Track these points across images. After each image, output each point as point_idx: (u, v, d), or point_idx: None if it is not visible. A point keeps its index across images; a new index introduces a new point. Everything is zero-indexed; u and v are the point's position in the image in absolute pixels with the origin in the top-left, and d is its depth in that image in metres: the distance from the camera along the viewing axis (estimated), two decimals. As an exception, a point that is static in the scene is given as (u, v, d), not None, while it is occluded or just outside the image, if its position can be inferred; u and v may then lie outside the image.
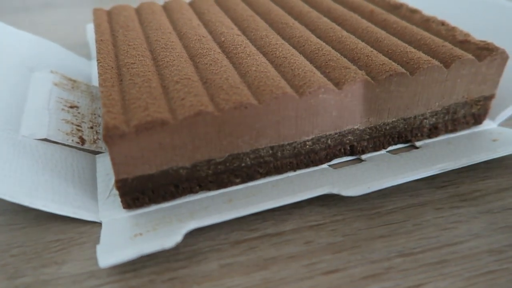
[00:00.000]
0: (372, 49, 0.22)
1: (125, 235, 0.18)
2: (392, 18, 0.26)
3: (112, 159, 0.18)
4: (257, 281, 0.17)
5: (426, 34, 0.24)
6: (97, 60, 0.22)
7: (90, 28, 0.37)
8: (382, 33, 0.24)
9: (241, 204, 0.19)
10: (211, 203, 0.20)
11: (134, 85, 0.20)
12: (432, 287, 0.17)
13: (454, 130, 0.24)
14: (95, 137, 0.24)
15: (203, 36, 0.24)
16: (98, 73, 0.21)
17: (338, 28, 0.25)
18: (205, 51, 0.23)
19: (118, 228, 0.18)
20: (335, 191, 0.19)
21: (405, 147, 0.24)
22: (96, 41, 0.24)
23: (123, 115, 0.18)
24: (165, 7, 0.30)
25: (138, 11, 0.29)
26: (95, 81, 0.30)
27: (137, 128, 0.17)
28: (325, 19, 0.27)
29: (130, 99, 0.19)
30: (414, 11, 0.27)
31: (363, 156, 0.23)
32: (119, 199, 0.20)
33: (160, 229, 0.18)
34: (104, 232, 0.18)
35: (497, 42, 0.23)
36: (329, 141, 0.22)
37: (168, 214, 0.19)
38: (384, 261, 0.18)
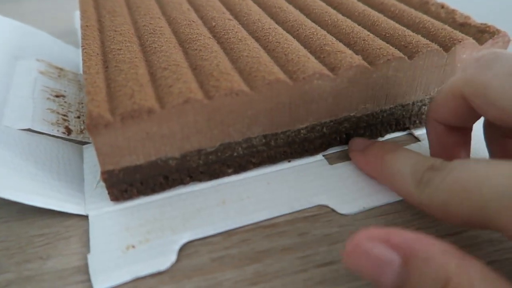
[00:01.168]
0: (369, 33, 0.21)
1: (116, 246, 0.17)
2: (390, 1, 0.25)
3: (97, 150, 0.17)
4: (250, 274, 0.16)
5: (425, 17, 0.23)
6: (82, 46, 0.21)
7: (77, 15, 0.36)
8: (379, 17, 0.23)
9: (235, 210, 0.19)
10: (204, 205, 0.19)
11: (120, 72, 0.19)
12: (430, 279, 0.16)
13: (453, 116, 0.24)
14: (82, 127, 0.23)
15: (193, 21, 0.23)
16: (82, 59, 0.20)
17: (333, 11, 0.24)
18: (195, 36, 0.22)
19: (108, 232, 0.18)
20: (330, 204, 0.19)
21: (403, 135, 0.23)
22: (82, 27, 0.23)
23: (108, 103, 0.17)
24: (155, -8, 0.29)
25: (127, -4, 0.28)
26: (83, 70, 0.29)
27: (123, 116, 0.17)
28: (320, 2, 0.26)
29: (116, 86, 0.18)
30: (412, -6, 0.26)
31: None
32: (106, 191, 0.19)
33: (153, 242, 0.17)
34: (93, 236, 0.18)
35: (499, 24, 0.22)
36: (324, 129, 0.21)
37: (159, 216, 0.18)
38: (381, 253, 0.17)
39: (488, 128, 0.19)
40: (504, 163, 0.14)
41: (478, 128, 0.20)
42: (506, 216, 0.13)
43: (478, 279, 0.12)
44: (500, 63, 0.16)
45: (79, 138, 0.22)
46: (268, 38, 0.21)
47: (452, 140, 0.19)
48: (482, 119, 0.19)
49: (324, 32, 0.22)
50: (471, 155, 0.20)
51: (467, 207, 0.14)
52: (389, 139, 0.23)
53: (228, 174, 0.20)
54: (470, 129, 0.19)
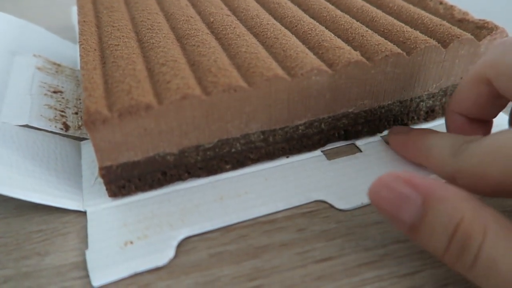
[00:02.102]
0: (367, 29, 0.21)
1: (114, 242, 0.17)
2: (388, -4, 0.25)
3: (95, 146, 0.17)
4: (248, 270, 0.16)
5: (423, 13, 0.23)
6: (79, 42, 0.21)
7: (75, 11, 0.35)
8: (377, 12, 0.23)
9: (233, 205, 0.19)
10: (202, 201, 0.19)
11: (118, 68, 0.19)
12: (428, 274, 0.16)
13: (451, 113, 0.24)
14: (79, 123, 0.23)
15: (191, 17, 0.23)
16: (80, 55, 0.20)
17: (331, 7, 0.24)
18: (193, 32, 0.22)
19: (106, 228, 0.18)
20: (328, 200, 0.19)
21: (401, 131, 0.23)
22: (79, 22, 0.23)
23: (105, 99, 0.17)
24: (152, -13, 0.28)
25: (124, -9, 0.28)
26: (81, 66, 0.28)
27: (120, 112, 0.17)
28: (318, -2, 0.26)
29: (113, 82, 0.18)
30: (411, -10, 0.26)
31: (358, 143, 0.22)
32: (104, 187, 0.19)
33: (151, 237, 0.17)
34: (91, 232, 0.18)
35: (497, 20, 0.22)
36: (322, 125, 0.21)
37: (157, 212, 0.18)
38: (379, 248, 0.17)
39: None
40: None
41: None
42: None
43: (491, 221, 0.13)
44: None
45: (77, 134, 0.22)
46: (266, 34, 0.21)
47: (473, 133, 0.19)
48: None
49: (323, 28, 0.22)
50: None
51: (500, 166, 0.14)
52: (386, 135, 0.23)
53: (226, 170, 0.20)
54: (491, 124, 0.19)
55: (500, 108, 0.18)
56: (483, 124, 0.19)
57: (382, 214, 0.15)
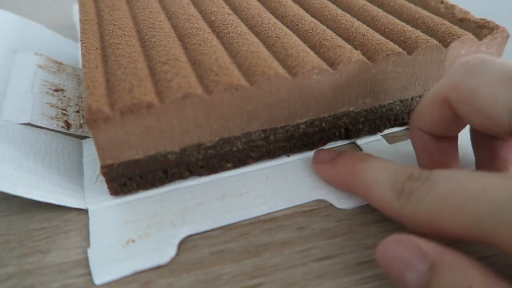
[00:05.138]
0: (368, 28, 0.21)
1: (116, 240, 0.17)
2: (389, -4, 0.25)
3: (97, 144, 0.17)
4: (249, 268, 0.16)
5: (424, 12, 0.23)
6: (81, 40, 0.21)
7: (76, 9, 0.35)
8: (378, 12, 0.23)
9: (234, 204, 0.19)
10: (203, 199, 0.19)
11: (119, 66, 0.19)
12: (428, 273, 0.16)
13: (452, 112, 0.24)
14: (81, 122, 0.23)
15: (193, 15, 0.23)
16: (82, 54, 0.20)
17: (333, 6, 0.24)
18: (194, 30, 0.22)
19: (108, 226, 0.18)
20: (329, 199, 0.19)
21: (401, 130, 0.23)
22: (80, 21, 0.23)
23: (107, 98, 0.17)
24: (154, -14, 0.28)
25: (125, -11, 0.28)
26: (82, 64, 0.29)
27: (122, 111, 0.17)
28: (319, -3, 0.26)
29: (115, 81, 0.18)
30: (412, -11, 0.26)
31: (359, 142, 0.22)
32: (106, 185, 0.19)
33: (153, 236, 0.17)
34: (93, 230, 0.18)
35: (498, 20, 0.22)
36: (323, 124, 0.21)
37: (158, 210, 0.18)
38: (379, 247, 0.17)
39: (475, 130, 0.19)
40: (497, 175, 0.13)
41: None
42: (506, 233, 0.12)
43: None
44: (487, 69, 0.15)
45: (79, 132, 0.22)
46: (268, 32, 0.21)
47: (439, 149, 0.18)
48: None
49: (324, 27, 0.22)
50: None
51: (460, 221, 0.13)
52: (387, 134, 0.23)
53: (228, 169, 0.20)
54: (456, 138, 0.19)
55: (463, 126, 0.18)
56: (449, 140, 0.18)
57: (387, 276, 0.14)
